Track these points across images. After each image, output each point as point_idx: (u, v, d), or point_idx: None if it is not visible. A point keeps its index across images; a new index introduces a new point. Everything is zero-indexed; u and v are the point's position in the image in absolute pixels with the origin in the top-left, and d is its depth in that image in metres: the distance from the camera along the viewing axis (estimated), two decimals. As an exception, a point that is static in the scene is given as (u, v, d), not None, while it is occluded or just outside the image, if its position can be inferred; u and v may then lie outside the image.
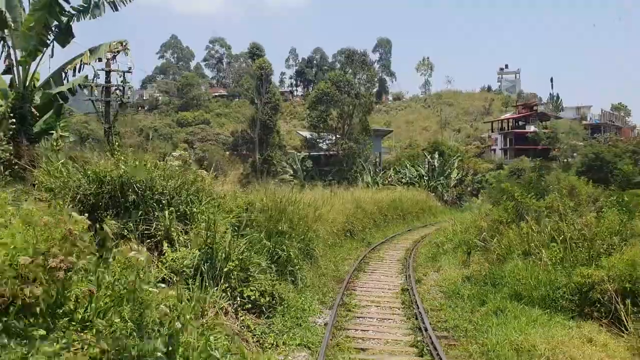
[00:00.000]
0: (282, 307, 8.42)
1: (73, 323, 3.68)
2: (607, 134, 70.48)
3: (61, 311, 3.71)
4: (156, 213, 8.51)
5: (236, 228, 9.37)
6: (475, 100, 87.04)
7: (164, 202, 8.79)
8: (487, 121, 74.53)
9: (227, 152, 72.42)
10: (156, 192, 8.78)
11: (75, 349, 3.44)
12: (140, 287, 3.57)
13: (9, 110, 10.85)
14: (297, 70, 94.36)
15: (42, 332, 3.38)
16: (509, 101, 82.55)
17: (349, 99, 44.51)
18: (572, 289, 9.27)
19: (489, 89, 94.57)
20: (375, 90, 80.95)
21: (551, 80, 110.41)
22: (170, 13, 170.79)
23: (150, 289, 3.68)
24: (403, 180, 41.25)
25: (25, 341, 3.32)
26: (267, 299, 8.10)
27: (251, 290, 7.85)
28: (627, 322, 8.15)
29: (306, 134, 55.35)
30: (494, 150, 68.72)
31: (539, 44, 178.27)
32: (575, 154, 62.74)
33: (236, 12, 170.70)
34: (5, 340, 3.23)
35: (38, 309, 3.48)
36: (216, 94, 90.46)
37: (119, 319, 3.51)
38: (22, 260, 3.15)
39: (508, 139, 67.37)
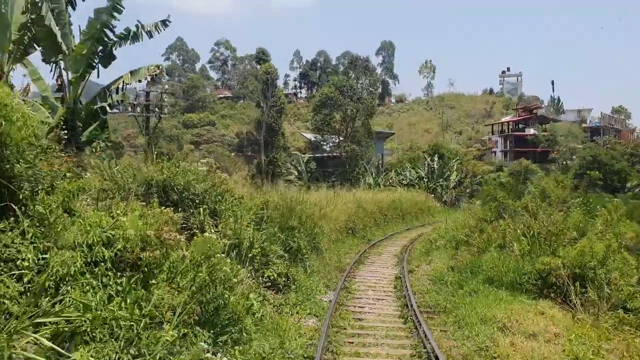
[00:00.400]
0: (294, 286, 10.47)
1: (168, 277, 5.74)
2: (606, 136, 72.24)
3: (158, 270, 5.76)
4: (192, 210, 10.55)
5: (255, 223, 11.41)
6: (477, 103, 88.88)
7: (197, 201, 10.82)
8: (487, 124, 76.39)
9: (233, 154, 74.59)
10: (191, 193, 10.81)
11: (172, 292, 5.51)
12: (213, 254, 5.60)
13: (61, 122, 12.90)
14: (301, 72, 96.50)
15: (154, 281, 5.44)
16: (510, 104, 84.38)
17: (351, 104, 46.53)
18: (535, 275, 11.24)
19: (491, 91, 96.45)
20: (378, 91, 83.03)
21: (552, 83, 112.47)
22: (174, 13, 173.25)
23: (217, 256, 5.70)
24: (404, 181, 43.23)
25: (145, 287, 5.38)
26: (283, 279, 10.14)
27: (270, 272, 9.88)
28: (575, 300, 10.11)
29: (310, 136, 57.44)
30: (495, 152, 70.56)
31: (541, 46, 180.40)
32: (574, 157, 64.58)
33: (239, 12, 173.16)
34: (134, 285, 5.28)
35: (146, 268, 5.54)
36: (221, 95, 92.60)
37: (200, 274, 5.55)
38: (148, 233, 5.18)
39: (508, 142, 69.20)
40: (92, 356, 4.32)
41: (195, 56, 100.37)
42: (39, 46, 12.76)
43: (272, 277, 9.84)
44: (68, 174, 5.80)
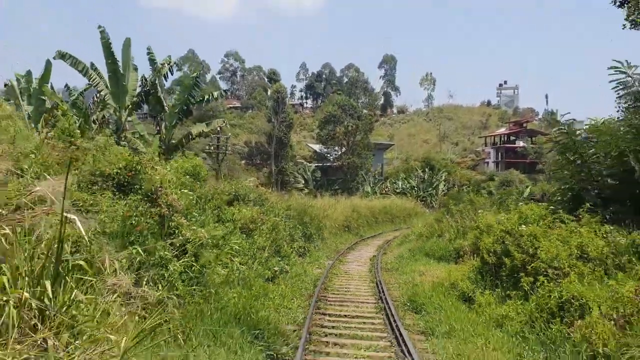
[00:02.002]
0: (308, 254, 18.67)
1: (260, 234, 14.03)
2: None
3: (257, 232, 14.06)
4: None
5: (285, 217, 19.61)
6: (474, 114, 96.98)
7: (252, 203, 19.05)
8: (481, 136, 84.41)
9: (243, 162, 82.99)
10: (248, 199, 19.05)
11: (263, 240, 13.85)
12: (279, 226, 13.81)
13: (159, 152, 21.21)
14: (307, 84, 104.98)
15: (256, 236, 13.75)
16: (504, 116, 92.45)
17: (352, 120, 54.82)
18: (453, 251, 19.32)
19: (489, 103, 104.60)
20: (378, 107, 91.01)
21: (546, 96, 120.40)
22: (182, 17, 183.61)
23: (280, 226, 13.92)
24: (397, 190, 51.38)
25: (252, 238, 13.72)
26: (302, 249, 18.32)
27: (296, 245, 18.07)
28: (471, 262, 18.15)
29: (316, 147, 65.75)
30: (487, 162, 78.63)
31: (541, 57, 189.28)
32: (560, 168, 72.53)
33: (245, 16, 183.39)
34: (248, 237, 13.61)
35: (252, 231, 13.86)
36: (230, 105, 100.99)
37: (273, 233, 13.78)
38: (255, 215, 13.38)
39: (500, 153, 77.29)
40: (240, 260, 12.50)
41: (206, 67, 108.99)
42: (147, 105, 21.12)
43: (296, 248, 18.03)
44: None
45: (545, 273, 9.55)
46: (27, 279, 4.06)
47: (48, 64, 20.61)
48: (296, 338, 8.97)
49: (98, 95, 22.12)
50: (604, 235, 9.60)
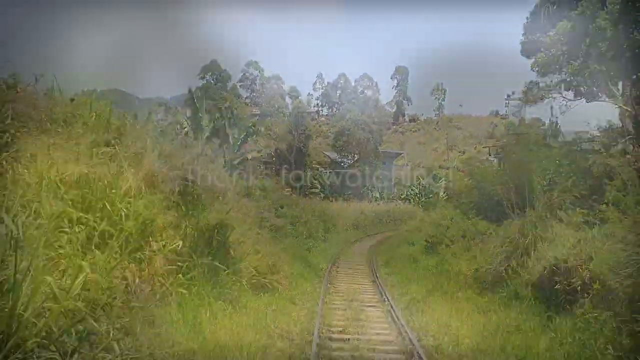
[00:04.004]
0: (328, 241, 29.65)
1: (300, 222, 25.20)
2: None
3: (299, 222, 25.23)
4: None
5: (311, 216, 30.58)
6: (482, 124, 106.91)
7: (293, 206, 30.09)
8: (485, 146, 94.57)
9: (262, 166, 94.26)
10: (287, 203, 30.08)
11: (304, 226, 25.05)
12: (310, 221, 24.75)
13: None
14: (323, 92, 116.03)
15: (298, 224, 24.90)
16: (510, 127, 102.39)
17: (364, 134, 65.69)
18: (427, 239, 30.02)
19: (497, 113, 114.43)
20: (393, 111, 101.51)
21: (551, 107, 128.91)
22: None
23: (311, 220, 24.85)
24: (402, 196, 62.08)
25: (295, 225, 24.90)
26: (324, 238, 29.31)
27: (320, 233, 29.00)
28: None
29: (331, 154, 76.77)
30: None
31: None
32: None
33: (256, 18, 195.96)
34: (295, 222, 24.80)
35: (297, 222, 25.04)
36: (250, 113, 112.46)
37: (309, 223, 24.77)
38: (298, 214, 24.32)
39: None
40: (291, 239, 23.43)
41: (227, 76, 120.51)
42: (218, 138, 32.24)
43: (320, 236, 28.94)
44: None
45: (447, 244, 20.35)
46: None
47: (151, 112, 31.80)
48: (325, 271, 19.94)
49: (180, 129, 33.29)
50: (475, 225, 20.36)
